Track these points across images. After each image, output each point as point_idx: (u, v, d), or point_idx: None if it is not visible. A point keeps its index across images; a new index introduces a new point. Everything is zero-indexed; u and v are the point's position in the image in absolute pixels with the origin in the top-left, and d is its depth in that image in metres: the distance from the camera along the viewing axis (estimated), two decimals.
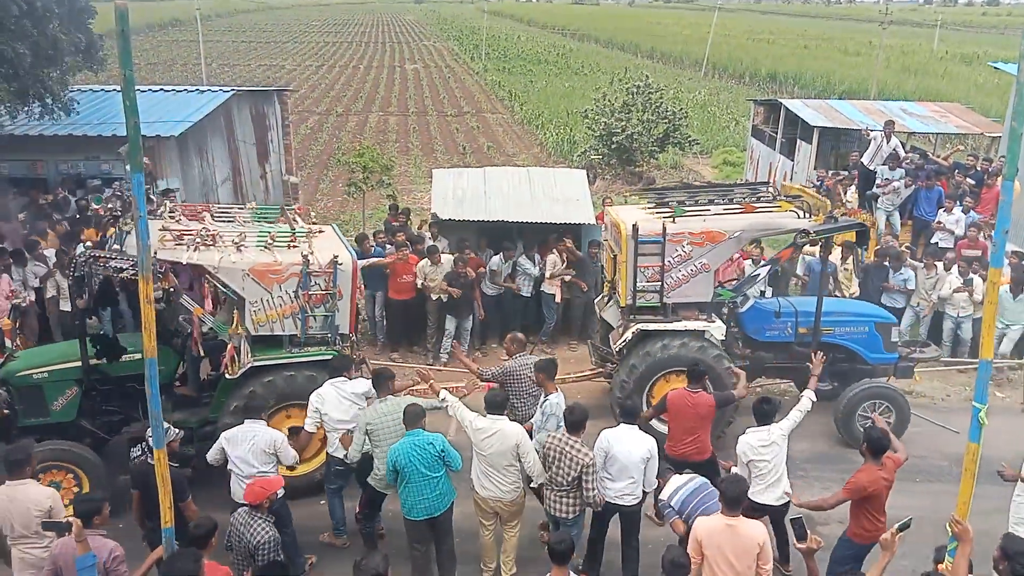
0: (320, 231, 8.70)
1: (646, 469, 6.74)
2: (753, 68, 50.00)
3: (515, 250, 11.66)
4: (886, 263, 11.76)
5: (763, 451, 6.76)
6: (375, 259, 11.46)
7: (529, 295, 11.93)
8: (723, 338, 9.16)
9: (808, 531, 5.29)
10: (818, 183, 16.73)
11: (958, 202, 13.36)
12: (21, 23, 11.01)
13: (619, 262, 9.20)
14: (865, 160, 14.69)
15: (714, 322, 9.09)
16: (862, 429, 9.24)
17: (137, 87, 4.70)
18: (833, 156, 19.18)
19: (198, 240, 7.75)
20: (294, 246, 8.00)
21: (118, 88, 15.38)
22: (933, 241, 13.27)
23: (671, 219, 8.84)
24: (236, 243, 7.85)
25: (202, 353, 8.31)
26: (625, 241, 8.82)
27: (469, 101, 39.90)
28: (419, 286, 11.37)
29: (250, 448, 6.71)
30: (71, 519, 5.32)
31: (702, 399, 7.54)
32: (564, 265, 11.69)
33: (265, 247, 7.94)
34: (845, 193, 15.61)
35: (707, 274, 8.89)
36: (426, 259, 11.32)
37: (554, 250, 11.72)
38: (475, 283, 11.45)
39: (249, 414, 6.98)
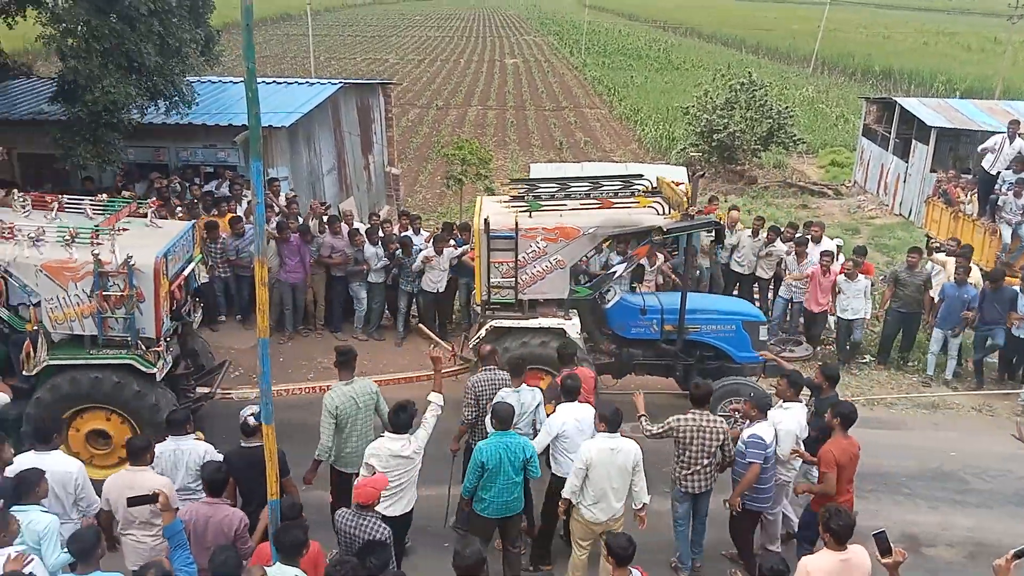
0: (157, 226, 8.30)
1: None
2: (866, 64, 47.81)
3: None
4: (1016, 286, 10.62)
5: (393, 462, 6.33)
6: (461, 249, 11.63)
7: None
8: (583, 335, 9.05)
9: (892, 545, 5.01)
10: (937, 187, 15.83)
11: None
12: (149, 22, 11.33)
13: (473, 257, 9.13)
14: (985, 164, 13.81)
15: (571, 319, 8.90)
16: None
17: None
18: (951, 158, 18.18)
19: None
20: (97, 243, 7.58)
21: (233, 80, 16.11)
22: None
23: (527, 213, 8.69)
24: (32, 237, 7.50)
25: None
26: (478, 235, 8.74)
27: (567, 96, 39.79)
28: None
29: (184, 472, 6.29)
30: (158, 491, 5.50)
31: (588, 370, 7.98)
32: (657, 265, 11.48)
33: (64, 243, 7.55)
34: (966, 198, 14.73)
35: (563, 270, 8.77)
36: None
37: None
38: None
39: (172, 429, 6.44)
